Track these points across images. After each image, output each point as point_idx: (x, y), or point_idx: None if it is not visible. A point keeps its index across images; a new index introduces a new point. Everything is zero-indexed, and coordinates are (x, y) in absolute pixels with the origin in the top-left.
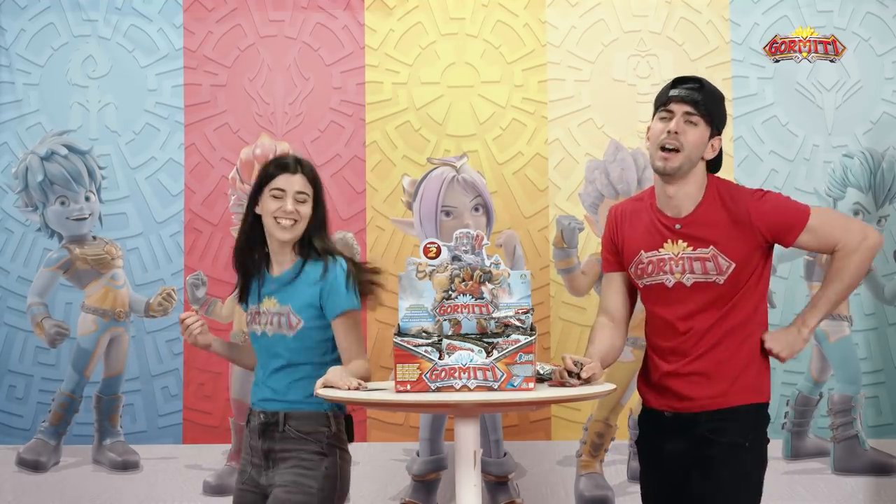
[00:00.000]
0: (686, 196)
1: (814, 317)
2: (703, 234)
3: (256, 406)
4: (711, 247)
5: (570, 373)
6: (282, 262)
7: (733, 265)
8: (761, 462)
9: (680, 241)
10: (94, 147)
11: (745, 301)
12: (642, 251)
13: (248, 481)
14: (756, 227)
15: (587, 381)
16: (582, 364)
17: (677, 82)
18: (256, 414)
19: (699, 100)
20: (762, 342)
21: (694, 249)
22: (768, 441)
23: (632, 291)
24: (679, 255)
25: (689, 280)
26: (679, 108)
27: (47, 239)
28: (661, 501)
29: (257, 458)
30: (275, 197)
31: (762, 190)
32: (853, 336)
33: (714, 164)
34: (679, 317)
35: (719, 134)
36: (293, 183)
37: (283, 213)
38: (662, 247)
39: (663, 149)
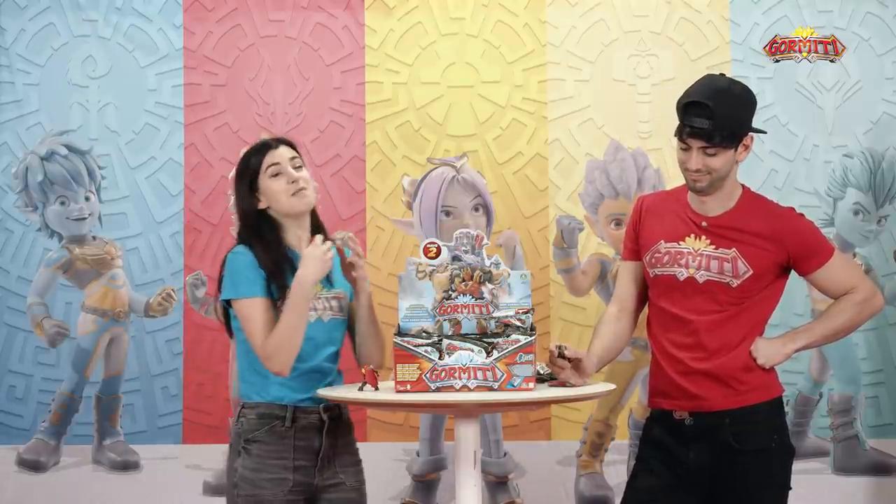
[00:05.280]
0: (716, 199)
1: (802, 340)
2: (729, 235)
3: (306, 403)
4: (734, 249)
5: (559, 356)
6: (301, 243)
7: (750, 272)
8: (788, 456)
9: (703, 238)
10: (94, 147)
11: (750, 312)
12: (662, 241)
13: (295, 489)
14: (784, 243)
15: (575, 362)
16: (565, 346)
17: (688, 108)
18: (311, 413)
19: (712, 132)
20: None
21: (716, 248)
22: (787, 428)
23: (646, 282)
24: (699, 251)
25: (702, 277)
26: (695, 143)
27: (47, 239)
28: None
29: (304, 459)
30: (274, 175)
31: (797, 211)
32: (853, 336)
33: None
34: (684, 311)
35: (747, 133)
36: (282, 154)
37: (293, 183)
38: (684, 240)
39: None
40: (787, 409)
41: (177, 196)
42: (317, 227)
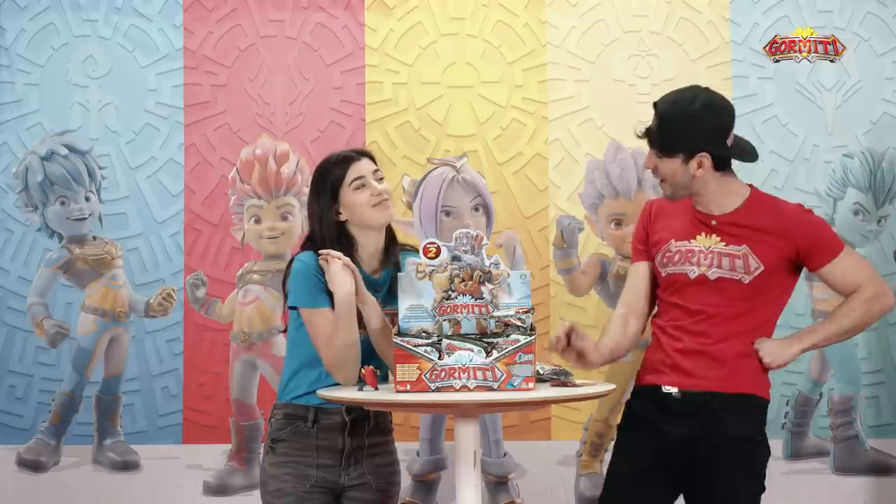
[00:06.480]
0: (712, 199)
1: (809, 340)
2: (739, 232)
3: (330, 405)
4: (745, 245)
5: (566, 334)
6: (371, 259)
7: (762, 268)
8: (767, 455)
9: (713, 236)
10: (94, 147)
11: (760, 310)
12: (673, 240)
13: (316, 484)
14: (794, 238)
15: (578, 353)
16: (575, 331)
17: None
18: (333, 414)
19: (654, 136)
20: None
21: (727, 245)
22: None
23: (655, 284)
24: (710, 249)
25: (713, 274)
26: (647, 144)
27: (47, 239)
28: (643, 489)
29: (328, 458)
30: (358, 188)
31: (806, 207)
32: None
33: (741, 154)
34: (696, 305)
35: (701, 151)
36: (365, 167)
37: (377, 196)
38: (695, 238)
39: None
40: (787, 408)
41: (177, 196)
42: (391, 241)
